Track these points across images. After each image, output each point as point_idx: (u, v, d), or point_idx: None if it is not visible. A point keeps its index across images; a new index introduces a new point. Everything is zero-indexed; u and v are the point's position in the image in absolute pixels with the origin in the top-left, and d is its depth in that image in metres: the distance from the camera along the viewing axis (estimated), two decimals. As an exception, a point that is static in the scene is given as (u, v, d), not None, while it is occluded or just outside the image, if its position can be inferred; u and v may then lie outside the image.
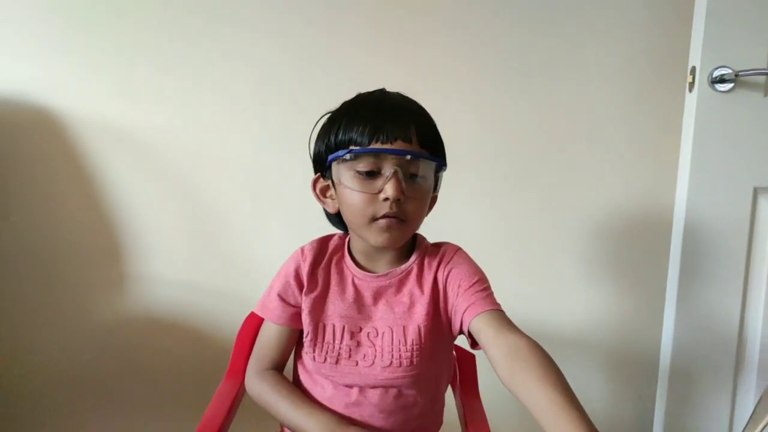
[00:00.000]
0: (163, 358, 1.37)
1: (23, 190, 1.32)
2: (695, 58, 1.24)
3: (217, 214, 1.34)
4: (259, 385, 0.88)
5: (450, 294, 0.84)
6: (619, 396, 1.43)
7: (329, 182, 0.84)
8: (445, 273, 0.85)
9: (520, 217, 1.37)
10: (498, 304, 0.80)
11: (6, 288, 1.35)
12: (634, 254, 1.38)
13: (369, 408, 0.82)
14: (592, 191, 1.36)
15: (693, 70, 1.25)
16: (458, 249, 0.89)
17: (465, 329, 0.80)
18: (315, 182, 0.87)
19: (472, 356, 1.02)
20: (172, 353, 1.37)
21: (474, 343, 0.82)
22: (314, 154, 0.87)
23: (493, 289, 0.84)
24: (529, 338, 0.73)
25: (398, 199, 0.78)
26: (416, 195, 0.80)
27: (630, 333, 1.40)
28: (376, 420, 0.83)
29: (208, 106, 1.30)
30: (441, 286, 0.85)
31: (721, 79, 1.22)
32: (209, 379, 1.29)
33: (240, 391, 0.94)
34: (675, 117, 1.31)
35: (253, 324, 0.95)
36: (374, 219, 0.80)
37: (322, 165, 0.85)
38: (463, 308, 0.80)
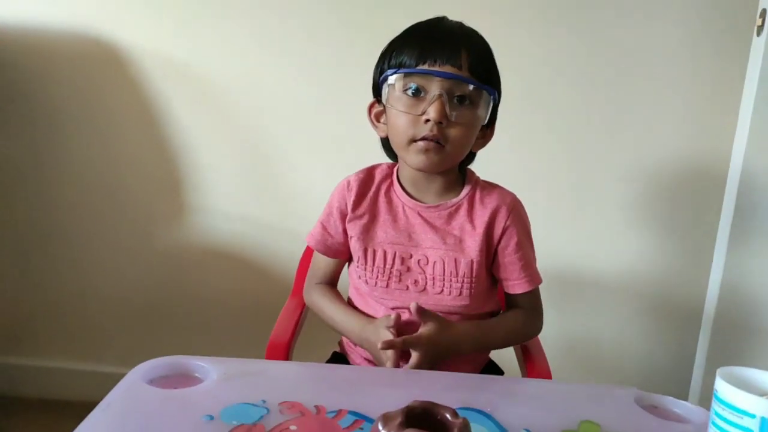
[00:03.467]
0: (219, 285, 1.44)
1: (86, 121, 1.37)
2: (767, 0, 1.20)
3: (271, 149, 1.38)
4: (310, 294, 0.95)
5: (500, 247, 0.87)
6: (658, 342, 1.44)
7: (383, 106, 0.86)
8: (504, 224, 0.86)
9: (568, 158, 1.36)
10: (534, 280, 0.89)
11: (71, 216, 1.41)
12: (684, 202, 1.36)
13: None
14: (645, 135, 1.34)
15: (763, 13, 1.20)
16: (519, 201, 0.90)
17: (500, 286, 0.91)
18: (371, 107, 0.89)
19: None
20: (228, 281, 1.43)
21: None
22: (373, 81, 0.88)
23: (539, 231, 0.92)
24: (526, 314, 0.91)
25: (440, 123, 0.78)
26: (461, 121, 0.80)
27: (675, 281, 1.40)
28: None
29: (263, 47, 1.33)
30: (497, 234, 0.86)
31: (793, 23, 1.18)
32: (263, 305, 1.35)
33: (305, 308, 1.00)
34: (739, 62, 1.27)
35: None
36: (414, 140, 0.81)
37: (377, 90, 0.87)
38: (504, 277, 0.88)
